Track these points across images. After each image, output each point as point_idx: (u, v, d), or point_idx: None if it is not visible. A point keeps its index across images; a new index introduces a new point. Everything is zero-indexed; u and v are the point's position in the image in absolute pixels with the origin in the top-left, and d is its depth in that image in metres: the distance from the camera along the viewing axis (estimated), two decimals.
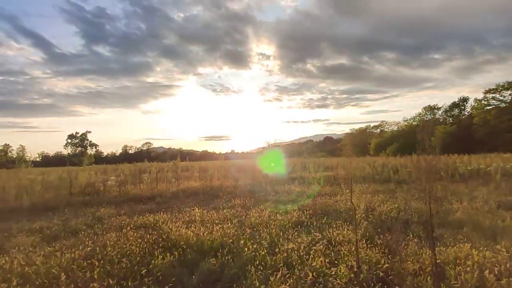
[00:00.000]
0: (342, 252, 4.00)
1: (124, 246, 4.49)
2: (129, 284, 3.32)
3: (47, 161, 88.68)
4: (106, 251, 4.31)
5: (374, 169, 18.63)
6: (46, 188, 12.88)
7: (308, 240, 4.67)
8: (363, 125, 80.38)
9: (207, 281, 3.54)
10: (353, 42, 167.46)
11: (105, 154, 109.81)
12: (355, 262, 3.56)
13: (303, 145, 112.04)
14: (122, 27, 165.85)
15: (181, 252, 4.33)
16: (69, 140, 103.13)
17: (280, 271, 3.37)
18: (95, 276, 3.42)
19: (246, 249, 4.18)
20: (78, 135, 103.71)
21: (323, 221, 6.07)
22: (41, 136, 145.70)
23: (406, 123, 64.14)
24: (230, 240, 4.63)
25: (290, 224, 5.75)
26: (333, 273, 3.41)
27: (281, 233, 5.09)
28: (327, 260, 3.73)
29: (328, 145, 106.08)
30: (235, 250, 4.30)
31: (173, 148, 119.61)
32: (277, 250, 4.15)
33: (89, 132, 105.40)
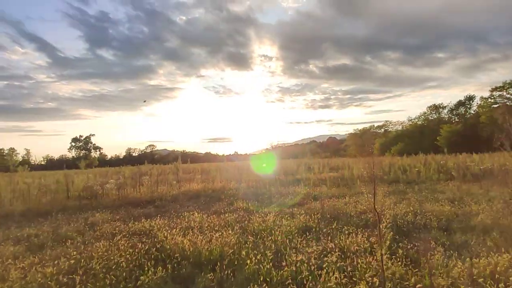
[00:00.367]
0: (359, 265, 3.49)
1: (112, 258, 4.01)
2: None
3: (52, 165, 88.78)
4: (92, 263, 3.83)
5: (381, 169, 18.02)
6: (43, 192, 12.47)
7: (319, 250, 4.16)
8: (367, 125, 79.40)
9: None
10: (355, 42, 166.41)
11: (109, 157, 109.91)
12: (377, 279, 3.04)
13: (307, 145, 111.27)
14: (125, 31, 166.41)
15: (175, 265, 3.84)
16: (73, 143, 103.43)
17: None
18: None
19: (248, 261, 3.68)
20: (82, 138, 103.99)
21: (333, 227, 5.55)
22: (45, 139, 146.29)
23: (410, 123, 63.26)
24: (231, 250, 4.12)
25: (297, 231, 5.23)
26: None
27: (287, 241, 4.58)
28: (342, 275, 3.21)
29: (332, 146, 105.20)
30: (236, 262, 3.80)
31: (177, 150, 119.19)
32: (284, 262, 3.64)
33: (93, 135, 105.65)
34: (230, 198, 10.75)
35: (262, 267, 3.53)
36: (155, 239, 5.02)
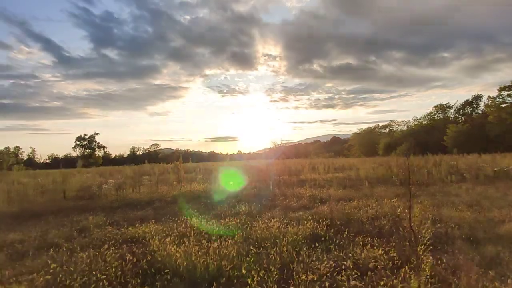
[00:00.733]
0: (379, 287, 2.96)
1: (95, 272, 3.52)
2: None
3: (57, 163, 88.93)
4: (71, 278, 3.35)
5: (389, 170, 17.40)
6: (40, 193, 12.08)
7: (330, 265, 3.63)
8: (371, 125, 78.48)
9: None
10: (360, 41, 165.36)
11: (113, 155, 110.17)
12: None
13: (310, 145, 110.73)
14: (130, 30, 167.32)
15: (165, 283, 3.34)
16: (78, 142, 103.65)
17: None
18: None
19: (249, 279, 3.16)
20: (86, 137, 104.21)
21: (344, 235, 5.01)
22: (51, 138, 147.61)
23: (416, 123, 62.32)
24: (230, 265, 3.62)
25: (304, 240, 4.71)
26: None
27: (294, 253, 4.06)
28: None
29: (336, 146, 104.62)
30: (235, 281, 3.30)
31: (181, 150, 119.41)
32: (291, 281, 3.12)
33: (97, 134, 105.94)
34: (232, 200, 10.26)
35: None
36: (147, 249, 4.53)
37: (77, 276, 3.37)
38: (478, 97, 54.99)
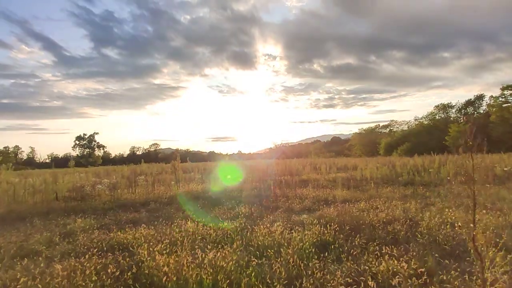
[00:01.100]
0: None
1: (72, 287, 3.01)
2: None
3: (57, 163, 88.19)
4: None
5: (393, 170, 16.90)
6: (31, 193, 11.56)
7: (343, 279, 3.12)
8: (371, 125, 77.91)
9: None
10: (360, 41, 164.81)
11: (113, 155, 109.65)
12: None
13: (311, 145, 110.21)
14: (130, 30, 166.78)
15: None
16: (77, 142, 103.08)
17: None
18: None
19: None
20: (86, 136, 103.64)
21: (356, 243, 4.50)
22: (51, 137, 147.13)
23: (417, 122, 61.78)
24: (227, 280, 3.10)
25: (311, 248, 4.19)
26: None
27: (301, 264, 3.55)
28: None
29: (336, 145, 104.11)
30: None
31: (180, 149, 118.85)
32: None
33: (97, 133, 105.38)
34: (232, 201, 9.75)
35: None
36: (134, 258, 4.02)
37: None
38: (480, 97, 54.44)
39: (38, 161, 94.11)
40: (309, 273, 3.29)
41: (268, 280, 3.15)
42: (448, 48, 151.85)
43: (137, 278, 3.38)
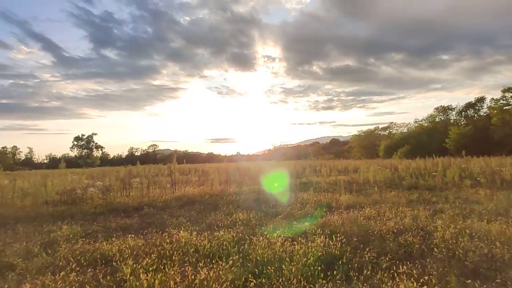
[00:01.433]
0: None
1: None
2: None
3: (55, 164, 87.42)
4: None
5: (396, 174, 16.45)
6: (20, 196, 11.07)
7: None
8: (370, 127, 77.63)
9: None
10: (359, 43, 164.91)
11: (112, 156, 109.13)
12: None
13: (310, 147, 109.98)
14: (129, 31, 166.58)
15: None
16: (75, 142, 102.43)
17: None
18: None
19: None
20: (84, 137, 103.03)
21: (366, 257, 4.04)
22: (49, 138, 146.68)
23: (416, 125, 61.42)
24: None
25: (316, 264, 3.73)
26: None
27: (306, 285, 3.09)
28: None
29: (335, 147, 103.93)
30: None
31: (179, 150, 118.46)
32: None
33: (95, 134, 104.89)
34: (229, 205, 9.28)
35: None
36: (116, 276, 3.55)
37: None
38: (481, 99, 54.11)
39: (36, 162, 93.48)
40: None
41: None
42: (447, 50, 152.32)
43: None
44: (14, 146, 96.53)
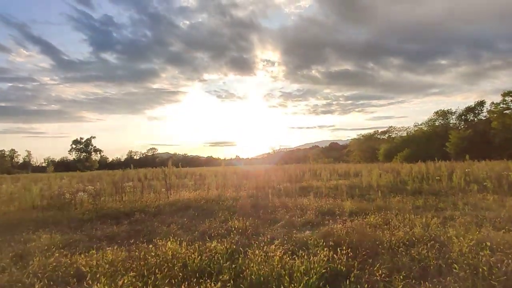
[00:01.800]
0: None
1: None
2: None
3: (53, 167, 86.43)
4: None
5: (398, 178, 15.98)
6: (5, 202, 10.54)
7: None
8: (369, 131, 77.22)
9: None
10: (358, 48, 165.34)
11: (110, 159, 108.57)
12: None
13: (309, 150, 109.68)
14: (129, 34, 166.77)
15: None
16: (74, 146, 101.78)
17: None
18: None
19: None
20: (83, 140, 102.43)
21: (376, 275, 3.54)
22: (48, 141, 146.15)
23: (416, 129, 61.07)
24: None
25: (318, 282, 3.23)
26: None
27: None
28: None
29: (334, 151, 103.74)
30: None
31: (178, 154, 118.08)
32: None
33: (94, 137, 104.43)
34: (225, 211, 8.76)
35: None
36: None
37: None
38: (481, 103, 53.84)
39: (34, 165, 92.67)
40: None
41: None
42: (445, 55, 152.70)
43: None
44: (12, 149, 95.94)
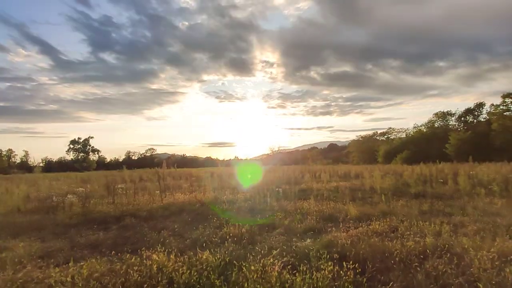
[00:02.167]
0: None
1: None
2: None
3: (50, 167, 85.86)
4: None
5: (400, 180, 15.54)
6: None
7: None
8: (368, 132, 76.89)
9: None
10: (357, 49, 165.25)
11: (108, 159, 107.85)
12: None
13: (308, 152, 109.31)
14: (128, 35, 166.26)
15: None
16: (71, 146, 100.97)
17: None
18: None
19: None
20: (81, 140, 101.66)
21: None
22: (46, 141, 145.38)
23: (415, 130, 60.71)
24: None
25: None
26: None
27: None
28: None
29: (333, 152, 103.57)
30: None
31: (177, 155, 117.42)
32: None
33: (92, 137, 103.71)
34: (220, 216, 8.28)
35: None
36: None
37: None
38: (480, 105, 53.55)
39: (31, 165, 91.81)
40: None
41: None
42: (443, 57, 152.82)
43: None
44: (9, 149, 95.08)
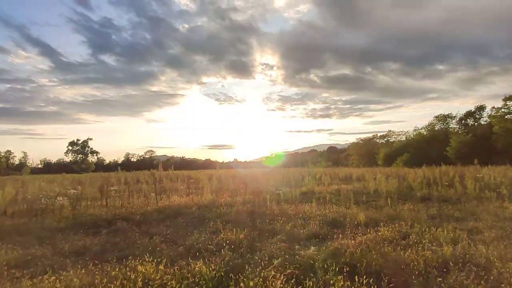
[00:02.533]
0: None
1: None
2: None
3: (49, 168, 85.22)
4: None
5: (404, 183, 15.09)
6: None
7: None
8: (367, 135, 76.55)
9: None
10: (356, 52, 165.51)
11: (107, 161, 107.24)
12: None
13: (307, 154, 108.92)
14: (128, 37, 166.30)
15: None
16: (70, 147, 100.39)
17: None
18: None
19: None
20: (79, 142, 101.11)
21: None
22: (46, 143, 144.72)
23: (415, 133, 60.32)
24: None
25: None
26: None
27: None
28: None
29: (333, 155, 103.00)
30: None
31: (176, 157, 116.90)
32: None
33: (91, 139, 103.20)
34: (217, 220, 7.80)
35: None
36: None
37: None
38: (481, 108, 53.22)
39: (30, 167, 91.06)
40: None
41: None
42: (443, 61, 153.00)
43: None
44: (8, 151, 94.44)
